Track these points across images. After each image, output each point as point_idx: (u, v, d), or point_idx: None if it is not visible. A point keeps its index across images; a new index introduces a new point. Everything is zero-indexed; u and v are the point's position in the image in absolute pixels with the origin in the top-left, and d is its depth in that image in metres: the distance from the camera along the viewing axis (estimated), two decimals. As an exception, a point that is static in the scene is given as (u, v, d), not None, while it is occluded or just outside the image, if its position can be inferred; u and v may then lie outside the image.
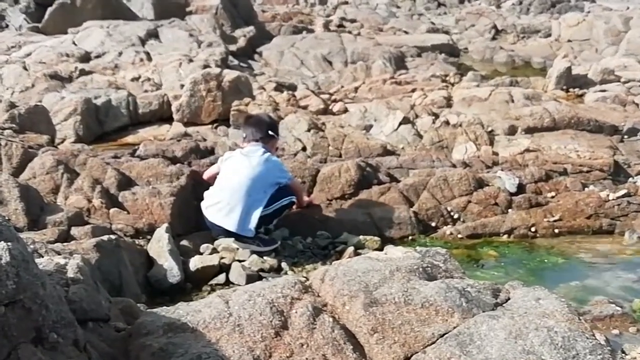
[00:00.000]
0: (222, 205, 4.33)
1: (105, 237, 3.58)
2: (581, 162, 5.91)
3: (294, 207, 4.76)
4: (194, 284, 3.98)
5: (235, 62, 11.60)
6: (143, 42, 12.06)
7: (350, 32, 15.00)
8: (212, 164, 4.98)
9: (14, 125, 5.73)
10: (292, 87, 9.80)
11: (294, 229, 4.73)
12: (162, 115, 8.27)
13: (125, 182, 4.65)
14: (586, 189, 5.31)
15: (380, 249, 4.17)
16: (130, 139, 7.67)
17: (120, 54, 11.33)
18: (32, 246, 3.05)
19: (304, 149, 6.77)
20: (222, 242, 4.35)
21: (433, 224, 4.92)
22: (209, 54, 11.18)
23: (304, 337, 2.24)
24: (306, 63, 12.31)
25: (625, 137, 7.27)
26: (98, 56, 11.23)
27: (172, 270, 3.88)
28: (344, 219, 4.81)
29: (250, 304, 2.35)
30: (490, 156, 6.24)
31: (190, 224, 4.61)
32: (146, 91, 9.12)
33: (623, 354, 2.75)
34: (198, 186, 4.72)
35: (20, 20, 14.32)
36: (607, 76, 10.05)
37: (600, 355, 2.07)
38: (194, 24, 13.43)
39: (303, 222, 4.79)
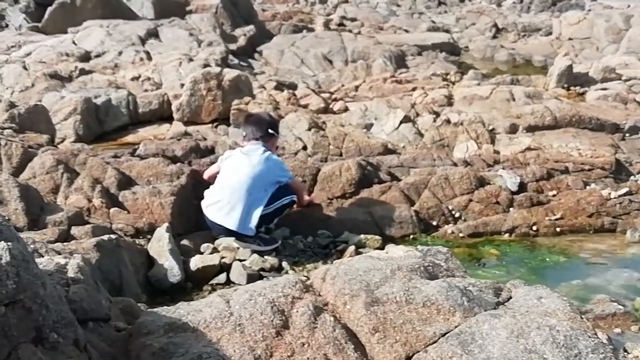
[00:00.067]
0: (222, 204, 4.32)
1: (105, 237, 3.57)
2: (583, 160, 5.90)
3: (295, 206, 4.75)
4: (194, 284, 3.97)
5: (236, 61, 11.58)
6: (143, 41, 12.06)
7: (350, 31, 14.99)
8: (212, 163, 4.98)
9: (13, 125, 5.73)
10: (293, 86, 9.79)
11: (295, 228, 4.72)
12: (162, 115, 8.26)
13: (126, 182, 4.65)
14: (588, 187, 5.30)
15: (382, 248, 4.17)
16: (130, 138, 7.66)
17: (120, 53, 11.32)
18: (32, 246, 3.05)
19: (304, 147, 6.76)
20: (223, 242, 4.35)
21: (434, 223, 4.91)
22: (209, 53, 11.18)
23: (305, 337, 2.23)
24: (306, 62, 12.30)
25: (627, 135, 7.25)
26: (98, 55, 11.23)
27: (173, 270, 3.87)
28: (345, 218, 4.81)
29: (251, 303, 2.34)
30: (492, 155, 6.23)
31: (190, 224, 4.61)
32: (146, 90, 9.11)
33: (625, 353, 2.74)
34: (198, 185, 4.72)
35: (20, 20, 14.31)
36: (608, 74, 10.03)
37: (602, 354, 2.06)
38: (194, 23, 13.42)
39: (304, 221, 4.78)
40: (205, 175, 4.79)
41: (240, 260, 4.17)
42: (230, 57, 11.59)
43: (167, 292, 3.84)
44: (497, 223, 4.88)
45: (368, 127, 7.52)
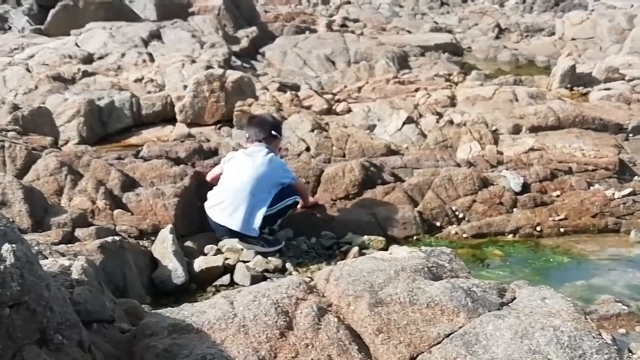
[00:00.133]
0: (225, 205, 4.33)
1: (109, 239, 3.57)
2: (586, 160, 5.88)
3: (298, 207, 4.75)
4: (198, 285, 3.97)
5: (238, 62, 11.61)
6: (146, 43, 12.09)
7: (353, 32, 15.01)
8: (215, 164, 4.98)
9: (17, 127, 5.74)
10: (295, 87, 9.79)
11: (298, 229, 4.72)
12: (166, 116, 8.28)
13: (129, 184, 4.65)
14: (591, 187, 5.28)
15: (385, 248, 4.17)
16: (133, 140, 7.68)
17: (123, 55, 11.35)
18: (36, 248, 3.05)
19: (307, 149, 6.76)
20: (227, 243, 4.34)
21: (438, 224, 4.91)
22: (211, 54, 11.20)
23: (309, 338, 2.23)
24: (309, 63, 12.31)
25: (630, 135, 7.24)
26: (101, 57, 11.26)
27: (177, 271, 3.87)
28: (348, 219, 4.80)
29: (255, 304, 2.34)
30: (495, 155, 6.22)
31: (194, 225, 4.61)
32: (149, 92, 9.13)
33: (630, 354, 2.73)
34: (202, 187, 4.72)
35: (23, 22, 14.36)
36: (612, 74, 10.02)
37: (607, 354, 2.06)
38: (196, 25, 13.45)
39: (307, 223, 4.78)
40: (209, 177, 4.79)
41: (244, 262, 4.16)
42: (233, 58, 11.61)
43: (171, 293, 3.84)
44: (501, 224, 4.87)
45: (371, 128, 7.53)
